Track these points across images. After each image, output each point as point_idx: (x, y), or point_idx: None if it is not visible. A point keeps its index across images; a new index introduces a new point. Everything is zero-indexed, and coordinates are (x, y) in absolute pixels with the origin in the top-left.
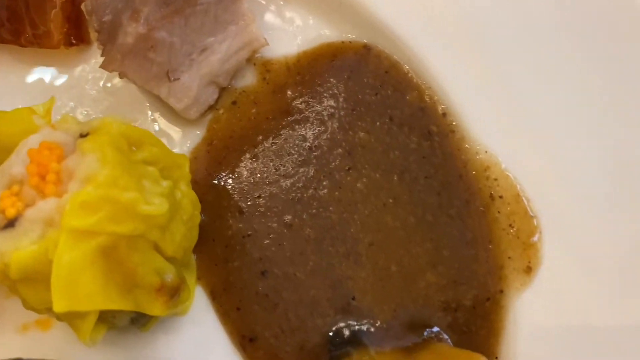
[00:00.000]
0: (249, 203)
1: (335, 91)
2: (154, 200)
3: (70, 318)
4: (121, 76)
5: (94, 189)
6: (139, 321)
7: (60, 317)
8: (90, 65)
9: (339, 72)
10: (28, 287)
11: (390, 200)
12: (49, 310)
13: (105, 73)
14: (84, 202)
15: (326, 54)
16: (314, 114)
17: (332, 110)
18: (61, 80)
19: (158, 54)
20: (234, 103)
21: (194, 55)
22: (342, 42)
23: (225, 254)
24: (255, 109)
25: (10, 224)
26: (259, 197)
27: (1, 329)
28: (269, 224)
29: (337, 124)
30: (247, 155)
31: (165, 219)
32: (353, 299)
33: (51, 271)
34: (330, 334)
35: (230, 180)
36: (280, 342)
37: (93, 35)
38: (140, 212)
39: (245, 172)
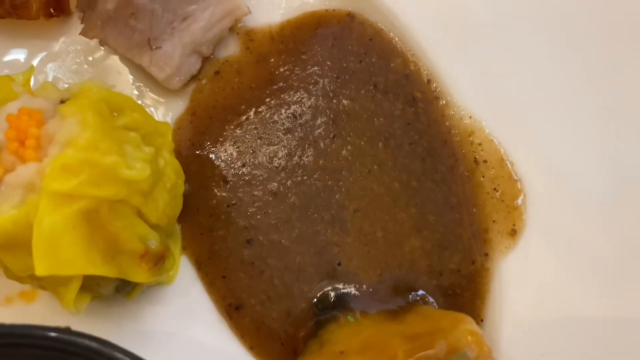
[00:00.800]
0: (233, 172)
1: (319, 59)
2: (136, 165)
3: (54, 285)
4: (101, 44)
5: (75, 152)
6: (124, 289)
7: (43, 284)
8: (70, 37)
9: (323, 40)
10: (9, 253)
11: (375, 167)
12: (31, 277)
13: (87, 45)
14: (65, 165)
15: (310, 23)
16: (298, 83)
17: (317, 79)
18: (41, 53)
19: (139, 21)
20: (217, 73)
21: (175, 23)
22: (326, 10)
23: (210, 223)
24: (239, 79)
25: None
26: (243, 165)
27: None
28: (254, 192)
29: (321, 92)
30: (231, 125)
31: (148, 184)
32: (339, 264)
33: (31, 236)
34: (316, 299)
35: (214, 150)
36: (266, 309)
37: (73, 6)
38: (121, 177)
39: (229, 142)
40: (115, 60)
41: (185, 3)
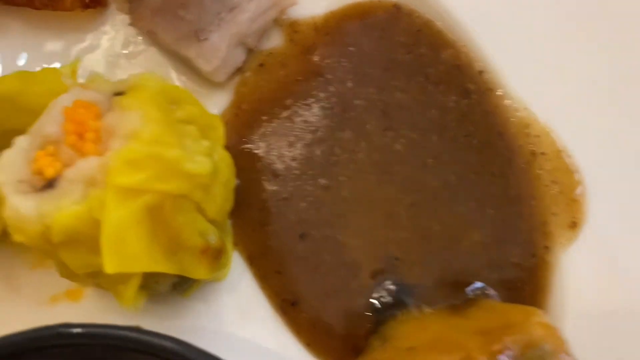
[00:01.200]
0: (283, 166)
1: (367, 51)
2: (197, 159)
3: (112, 283)
4: (150, 34)
5: (140, 146)
6: (181, 286)
7: (101, 282)
8: (107, 29)
9: (370, 32)
10: (69, 250)
11: (430, 160)
12: (89, 275)
13: (124, 37)
14: (130, 159)
15: (355, 14)
16: (345, 75)
17: (365, 70)
18: (77, 45)
19: (188, 11)
20: (261, 65)
21: (222, 13)
22: (371, 1)
23: (261, 217)
24: (284, 71)
25: (50, 184)
26: (294, 160)
27: (29, 300)
28: (305, 187)
29: (370, 84)
30: (279, 119)
31: (209, 178)
32: (396, 259)
33: (95, 232)
34: (375, 295)
35: (262, 144)
36: (323, 305)
37: None
38: (184, 171)
39: (277, 136)
40: (153, 52)
41: None
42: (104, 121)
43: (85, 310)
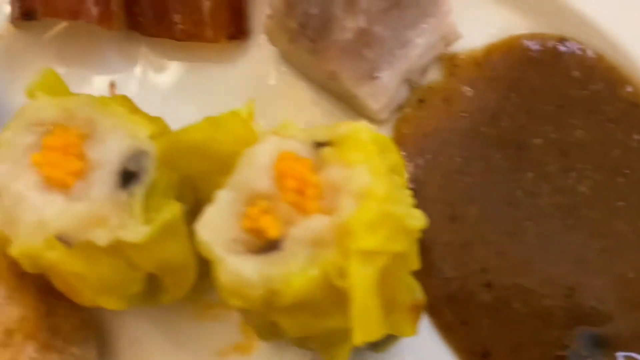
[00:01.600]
0: (460, 211)
1: (537, 86)
2: (415, 214)
3: (325, 346)
4: (332, 77)
5: (375, 205)
6: (382, 344)
7: (311, 344)
8: (251, 62)
9: (538, 67)
10: (290, 314)
11: (620, 204)
12: (300, 338)
13: (266, 70)
14: (369, 221)
15: (518, 47)
16: (516, 111)
17: (537, 107)
18: (222, 78)
19: (371, 50)
20: (421, 101)
21: (395, 50)
22: (533, 34)
23: (441, 265)
24: (447, 107)
25: (273, 245)
26: (471, 203)
27: (197, 355)
28: (487, 232)
29: (545, 121)
30: (448, 158)
31: (420, 232)
32: (592, 308)
33: (325, 296)
34: (573, 344)
35: (434, 186)
36: (517, 357)
37: (254, 27)
38: (408, 228)
39: (449, 177)
40: (296, 86)
41: (407, 28)
42: (321, 176)
43: None
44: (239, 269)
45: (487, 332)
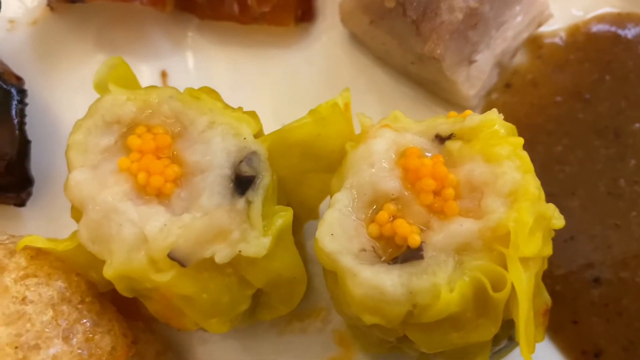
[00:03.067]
0: (561, 203)
1: (632, 66)
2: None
3: (458, 359)
4: (440, 58)
5: (533, 206)
6: (504, 350)
7: (439, 357)
8: (318, 46)
9: (629, 46)
10: (427, 330)
11: None
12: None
13: (336, 55)
14: (530, 225)
15: (605, 27)
16: (611, 95)
17: (635, 91)
18: (285, 64)
19: (476, 32)
20: (507, 85)
21: (492, 31)
22: (619, 13)
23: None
24: (537, 91)
25: (414, 254)
26: (572, 194)
27: None
28: (590, 226)
29: None
30: (543, 147)
31: None
32: None
33: (471, 309)
34: None
35: None
36: (631, 355)
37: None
38: (551, 227)
39: (547, 168)
40: (369, 72)
41: (506, 7)
42: (457, 173)
43: None
44: (380, 281)
45: (598, 331)
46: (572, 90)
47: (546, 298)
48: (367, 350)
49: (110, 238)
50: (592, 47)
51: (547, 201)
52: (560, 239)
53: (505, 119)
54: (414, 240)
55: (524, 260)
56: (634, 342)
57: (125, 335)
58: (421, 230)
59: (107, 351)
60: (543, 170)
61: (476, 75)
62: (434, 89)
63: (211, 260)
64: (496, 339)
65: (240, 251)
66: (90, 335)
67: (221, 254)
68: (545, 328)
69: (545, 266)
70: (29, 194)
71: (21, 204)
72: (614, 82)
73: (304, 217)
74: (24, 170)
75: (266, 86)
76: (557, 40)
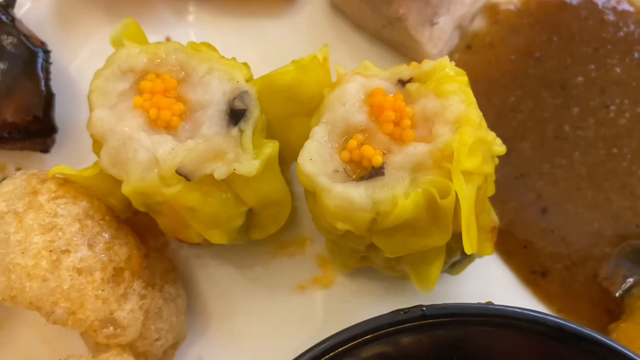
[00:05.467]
0: (513, 146)
1: (576, 30)
2: (498, 141)
3: (415, 264)
4: (404, 18)
5: (473, 131)
6: (459, 264)
7: (403, 264)
8: (302, 15)
9: (574, 12)
10: (388, 235)
11: None
12: (397, 260)
13: (318, 23)
14: (470, 144)
15: None
16: (558, 53)
17: (578, 49)
18: (274, 33)
19: None
20: (468, 47)
21: None
22: None
23: (500, 196)
24: (494, 51)
25: (377, 172)
26: (523, 138)
27: (278, 289)
28: (539, 165)
29: (585, 62)
30: (499, 99)
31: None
32: (637, 226)
33: (422, 216)
34: (622, 258)
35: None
36: (572, 273)
37: None
38: (494, 153)
39: (501, 116)
40: (348, 37)
41: None
42: (414, 107)
43: (337, 295)
44: (349, 194)
45: (545, 254)
46: (524, 50)
47: (494, 218)
48: (343, 267)
49: (127, 161)
50: (542, 12)
51: (504, 141)
52: (512, 176)
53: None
54: (377, 160)
55: (466, 174)
56: (575, 263)
57: (139, 249)
58: (383, 154)
59: (123, 259)
60: (498, 118)
61: (438, 35)
62: (403, 51)
63: (211, 177)
64: (450, 250)
65: (234, 169)
66: (110, 245)
67: (219, 171)
68: (494, 244)
69: (493, 190)
70: (53, 141)
71: (46, 150)
72: (561, 42)
73: (290, 159)
74: (49, 119)
75: (257, 50)
76: (511, 7)
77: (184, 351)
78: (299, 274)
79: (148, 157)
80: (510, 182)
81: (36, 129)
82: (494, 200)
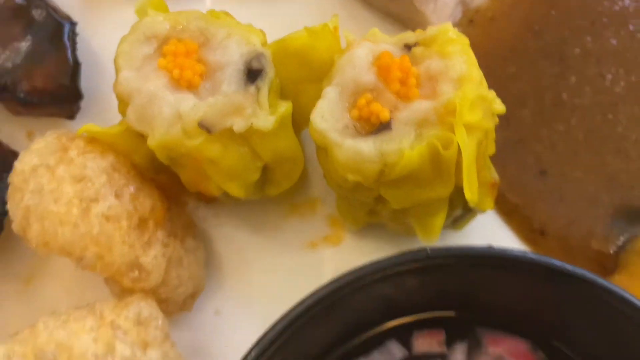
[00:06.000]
0: (513, 113)
1: (572, 5)
2: (497, 100)
3: (421, 216)
4: None
5: (475, 87)
6: (461, 219)
7: (409, 215)
8: None
9: None
10: (395, 187)
11: None
12: (398, 212)
13: None
14: (471, 100)
15: None
16: (556, 26)
17: (575, 22)
18: (281, 8)
19: None
20: (471, 22)
21: None
22: None
23: (500, 159)
24: (495, 25)
25: (385, 127)
26: (523, 105)
27: (290, 247)
28: (538, 130)
29: (582, 35)
30: (500, 69)
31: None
32: (631, 187)
33: (428, 168)
34: (618, 217)
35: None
36: (570, 232)
37: None
38: (495, 110)
39: (502, 84)
40: (355, 13)
41: None
42: (419, 68)
43: (347, 252)
44: (359, 147)
45: (543, 214)
46: (524, 23)
47: (494, 175)
48: (353, 224)
49: (153, 117)
50: None
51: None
52: (512, 140)
53: None
54: (385, 116)
55: (467, 127)
56: (572, 222)
57: (162, 202)
58: (390, 111)
59: (148, 209)
60: (499, 87)
61: (441, 8)
62: (409, 25)
63: (230, 131)
64: (452, 204)
65: (252, 124)
66: (135, 196)
67: (238, 124)
68: (494, 199)
69: (493, 150)
70: (78, 108)
71: (72, 116)
72: (559, 16)
73: (302, 124)
74: (75, 86)
75: (269, 26)
76: None
77: (202, 304)
78: (310, 232)
79: (172, 113)
80: (510, 147)
81: (63, 95)
82: (495, 162)
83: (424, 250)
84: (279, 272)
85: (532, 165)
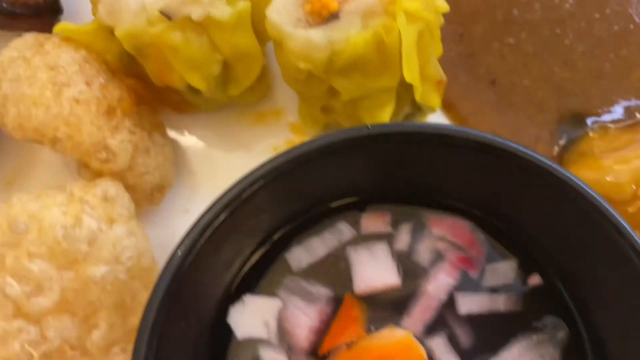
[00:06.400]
0: (468, 28)
1: None
2: (440, 2)
3: (369, 108)
4: None
5: None
6: (412, 117)
7: (357, 108)
8: None
9: None
10: (344, 76)
11: (597, 15)
12: (347, 103)
13: None
14: None
15: None
16: None
17: None
18: None
19: None
20: None
21: None
22: None
23: (452, 71)
24: None
25: (334, 16)
26: (476, 22)
27: (255, 152)
28: (489, 44)
29: None
30: None
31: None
32: (576, 95)
33: (374, 57)
34: (562, 121)
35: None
36: (518, 137)
37: None
38: (437, 6)
39: (455, 2)
40: None
41: None
42: None
43: None
44: (309, 36)
45: (492, 120)
46: None
47: (440, 73)
48: (312, 126)
49: (120, 10)
50: None
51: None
52: (464, 54)
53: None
54: (333, 6)
55: (408, 15)
56: (520, 128)
57: (130, 95)
58: (340, 3)
59: (116, 99)
60: (452, 3)
61: None
62: None
63: (190, 19)
64: (400, 99)
65: (209, 12)
66: (105, 86)
67: (196, 12)
68: (441, 97)
69: (440, 50)
70: (58, 21)
71: (50, 31)
72: None
73: (266, 34)
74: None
75: None
76: None
77: (171, 203)
78: (275, 138)
79: (138, 5)
80: (462, 60)
81: (44, 8)
82: (448, 74)
83: (365, 127)
84: (244, 173)
85: (483, 76)
